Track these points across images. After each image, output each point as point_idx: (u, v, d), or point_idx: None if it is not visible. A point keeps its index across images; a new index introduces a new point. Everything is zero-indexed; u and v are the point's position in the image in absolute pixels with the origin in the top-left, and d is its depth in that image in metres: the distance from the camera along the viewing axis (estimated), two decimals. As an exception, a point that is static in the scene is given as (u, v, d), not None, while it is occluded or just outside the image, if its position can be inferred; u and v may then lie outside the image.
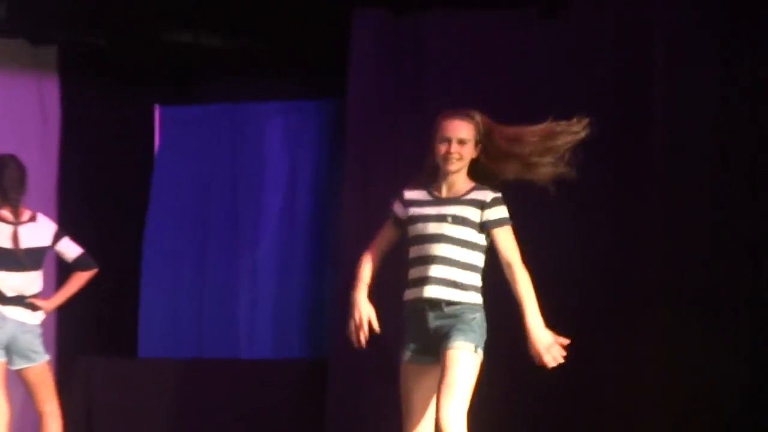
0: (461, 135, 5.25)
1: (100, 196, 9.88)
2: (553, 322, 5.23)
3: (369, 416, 8.21)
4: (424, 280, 5.20)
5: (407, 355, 5.24)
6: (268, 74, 9.52)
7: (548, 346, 5.10)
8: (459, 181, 5.30)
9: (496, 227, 5.22)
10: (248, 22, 9.23)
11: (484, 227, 5.22)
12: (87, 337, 9.67)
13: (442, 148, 5.24)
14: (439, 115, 5.38)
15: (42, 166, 9.76)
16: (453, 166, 5.25)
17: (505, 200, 5.29)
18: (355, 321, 5.27)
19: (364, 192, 8.42)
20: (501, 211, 5.24)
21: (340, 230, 8.57)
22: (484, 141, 5.29)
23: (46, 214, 9.42)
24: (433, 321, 5.21)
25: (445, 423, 5.01)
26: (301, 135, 9.58)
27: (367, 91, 8.56)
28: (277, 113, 9.58)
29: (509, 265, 5.20)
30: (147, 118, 10.11)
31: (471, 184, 5.29)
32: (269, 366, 8.93)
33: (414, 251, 5.28)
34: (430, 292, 5.19)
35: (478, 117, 5.31)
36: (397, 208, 5.38)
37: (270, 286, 9.15)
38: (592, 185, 7.25)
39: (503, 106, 8.22)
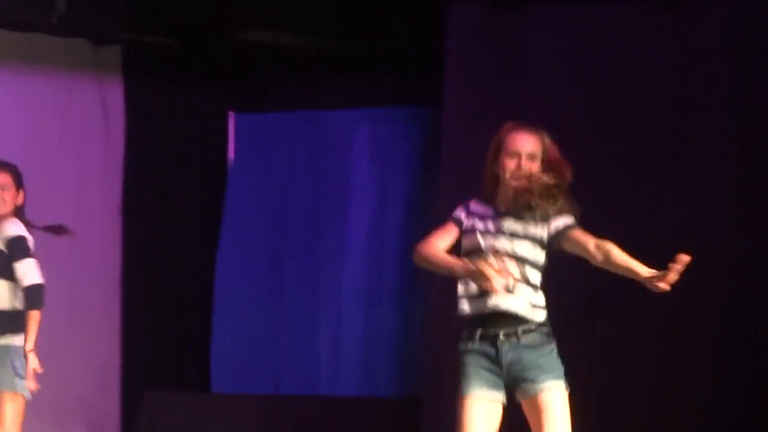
0: (531, 150, 5.34)
1: (167, 207, 10.01)
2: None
3: None
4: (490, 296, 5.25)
5: (475, 387, 5.25)
6: (352, 78, 9.57)
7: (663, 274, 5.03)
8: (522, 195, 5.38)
9: (571, 229, 5.28)
10: (332, 21, 9.29)
11: (555, 238, 5.27)
12: (156, 369, 9.76)
13: (511, 163, 5.31)
14: (505, 128, 5.45)
15: (105, 171, 10.01)
16: (518, 183, 5.32)
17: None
18: (488, 272, 5.08)
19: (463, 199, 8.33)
20: (568, 218, 5.30)
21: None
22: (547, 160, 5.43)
23: (110, 224, 9.81)
24: (507, 353, 5.24)
25: None
26: (391, 144, 9.55)
27: (464, 96, 8.51)
28: (364, 121, 9.54)
29: (598, 245, 5.22)
30: (219, 125, 10.17)
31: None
32: (354, 404, 8.85)
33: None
34: (504, 306, 5.22)
35: (544, 133, 5.43)
36: (461, 214, 5.44)
37: (355, 315, 9.09)
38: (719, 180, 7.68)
39: (612, 110, 8.28)
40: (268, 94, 9.99)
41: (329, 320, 9.50)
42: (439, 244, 5.40)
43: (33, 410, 8.95)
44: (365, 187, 9.54)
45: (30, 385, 6.99)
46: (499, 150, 5.38)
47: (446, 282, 6.33)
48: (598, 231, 5.34)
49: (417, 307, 8.97)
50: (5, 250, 7.02)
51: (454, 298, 5.34)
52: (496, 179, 5.39)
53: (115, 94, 9.99)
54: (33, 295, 7.01)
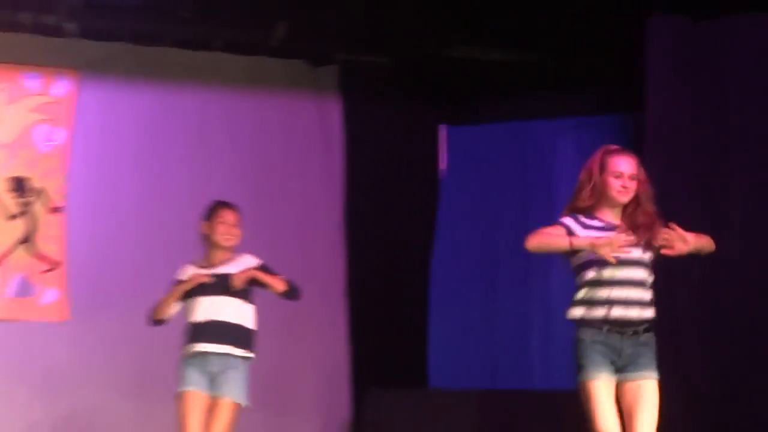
0: (633, 171, 6.11)
1: (386, 217, 10.29)
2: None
3: None
4: (615, 302, 6.01)
5: (600, 371, 6.02)
6: (556, 89, 9.64)
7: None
8: (616, 209, 6.13)
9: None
10: (535, 37, 9.48)
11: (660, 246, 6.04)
12: (379, 369, 10.03)
13: (617, 182, 6.09)
14: (605, 150, 6.20)
15: (326, 191, 10.41)
16: (625, 198, 6.08)
17: None
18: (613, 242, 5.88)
19: (666, 203, 8.45)
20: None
21: None
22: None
23: (332, 241, 10.27)
24: (625, 343, 6.04)
25: None
26: (593, 151, 9.38)
27: (666, 105, 8.60)
28: (568, 129, 9.67)
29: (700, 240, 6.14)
30: (430, 137, 10.40)
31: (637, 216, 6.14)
32: (566, 397, 8.57)
33: (595, 273, 6.03)
34: (626, 313, 6.02)
35: (637, 157, 6.22)
36: (570, 223, 6.10)
37: (564, 311, 9.01)
38: None
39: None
40: (477, 107, 10.03)
41: (540, 316, 9.58)
42: (553, 233, 6.09)
43: (270, 411, 9.54)
44: (570, 191, 9.75)
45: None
46: (603, 170, 6.12)
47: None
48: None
49: None
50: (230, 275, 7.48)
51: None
52: (599, 195, 6.10)
53: (333, 112, 10.39)
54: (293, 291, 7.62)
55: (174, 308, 7.52)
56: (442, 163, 10.38)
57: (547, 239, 6.08)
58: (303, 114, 10.45)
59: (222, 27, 9.65)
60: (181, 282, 7.50)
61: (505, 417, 9.04)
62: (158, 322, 7.56)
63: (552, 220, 9.21)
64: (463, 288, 9.92)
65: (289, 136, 10.44)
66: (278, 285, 7.48)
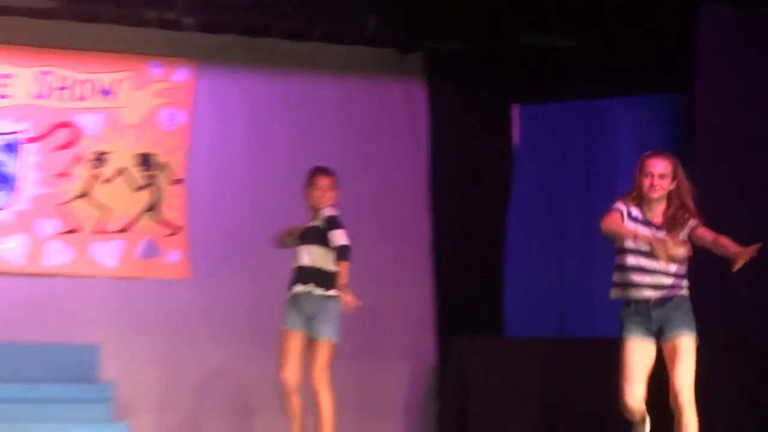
0: (663, 170, 6.38)
1: (466, 189, 10.25)
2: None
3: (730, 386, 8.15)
4: (654, 285, 6.40)
5: (634, 335, 6.42)
6: (617, 71, 9.56)
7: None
8: (660, 206, 6.44)
9: (700, 227, 6.42)
10: (599, 24, 9.40)
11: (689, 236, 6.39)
12: (460, 318, 10.08)
13: (647, 181, 6.39)
14: (644, 155, 6.49)
15: (413, 162, 10.41)
16: (655, 195, 6.39)
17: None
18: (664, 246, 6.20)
19: (714, 181, 8.34)
20: (693, 221, 6.42)
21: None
22: (677, 178, 6.43)
23: (418, 206, 10.27)
24: (655, 313, 6.37)
25: (686, 394, 6.29)
26: (650, 129, 9.47)
27: (713, 86, 8.45)
28: (628, 108, 9.55)
29: (716, 237, 6.38)
30: (505, 116, 10.32)
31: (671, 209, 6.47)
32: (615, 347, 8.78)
33: (634, 259, 6.42)
34: (654, 293, 6.39)
35: (674, 157, 6.48)
36: (624, 210, 6.44)
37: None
38: None
39: None
40: (545, 88, 10.00)
41: (603, 272, 8.91)
42: (620, 220, 6.40)
43: (365, 355, 9.71)
44: (629, 163, 8.89)
45: (350, 301, 7.59)
46: (640, 171, 6.43)
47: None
48: None
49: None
50: (323, 225, 7.79)
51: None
52: (639, 192, 6.42)
53: (418, 93, 10.38)
54: (342, 252, 7.68)
55: (287, 245, 7.92)
56: (515, 138, 10.32)
57: (618, 227, 6.36)
58: (392, 94, 10.44)
59: (321, 19, 9.63)
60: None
61: (571, 363, 8.97)
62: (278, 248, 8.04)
63: (611, 187, 9.18)
64: (534, 247, 9.81)
65: (380, 114, 10.43)
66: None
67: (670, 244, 6.18)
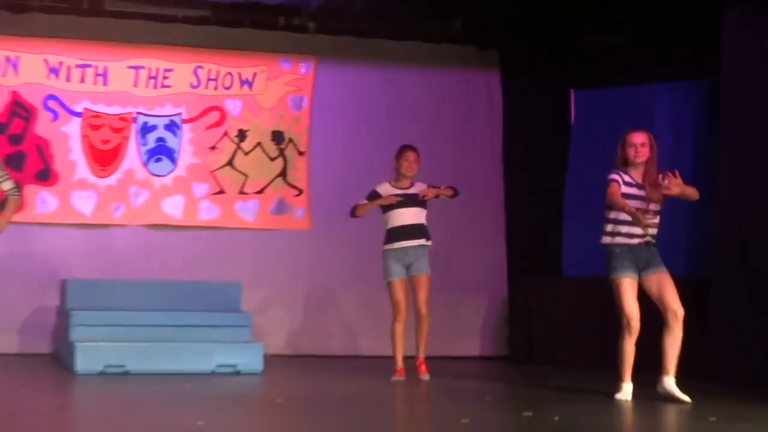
0: (642, 140, 6.71)
1: (533, 158, 10.22)
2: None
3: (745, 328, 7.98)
4: (640, 234, 6.67)
5: (626, 273, 6.70)
6: (654, 62, 9.38)
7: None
8: (641, 168, 6.72)
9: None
10: (637, 23, 9.32)
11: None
12: (527, 261, 10.10)
13: (632, 151, 6.70)
14: (626, 131, 6.77)
15: (491, 140, 10.39)
16: (640, 160, 6.69)
17: None
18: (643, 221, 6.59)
19: (736, 155, 8.20)
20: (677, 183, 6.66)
21: (720, 182, 8.36)
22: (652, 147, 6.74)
23: (495, 172, 10.28)
24: (642, 253, 6.69)
25: (680, 310, 6.62)
26: (682, 109, 9.28)
27: (738, 79, 8.19)
28: (665, 92, 9.36)
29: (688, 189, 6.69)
30: (564, 98, 10.21)
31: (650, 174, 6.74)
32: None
33: (623, 216, 6.68)
34: (649, 239, 6.69)
35: (648, 131, 6.83)
36: (619, 178, 6.70)
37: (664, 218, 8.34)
38: None
39: None
40: (596, 76, 9.85)
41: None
42: (618, 191, 6.70)
43: (449, 289, 9.69)
44: (664, 136, 8.96)
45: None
46: (624, 143, 6.73)
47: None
48: None
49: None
50: (416, 193, 7.93)
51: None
52: (626, 159, 6.72)
53: (494, 83, 10.35)
54: (456, 190, 7.95)
55: (367, 211, 7.96)
56: (572, 117, 10.20)
57: (617, 199, 6.67)
58: (473, 83, 10.40)
59: (416, 23, 9.59)
60: (375, 194, 7.94)
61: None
62: (355, 216, 8.03)
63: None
64: (586, 204, 9.42)
65: (463, 99, 10.40)
66: (449, 192, 7.92)
67: (647, 217, 6.59)
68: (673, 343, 6.61)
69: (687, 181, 6.85)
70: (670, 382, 6.62)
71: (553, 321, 9.55)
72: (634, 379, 6.75)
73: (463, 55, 10.23)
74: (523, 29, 9.61)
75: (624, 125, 6.76)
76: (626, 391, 6.68)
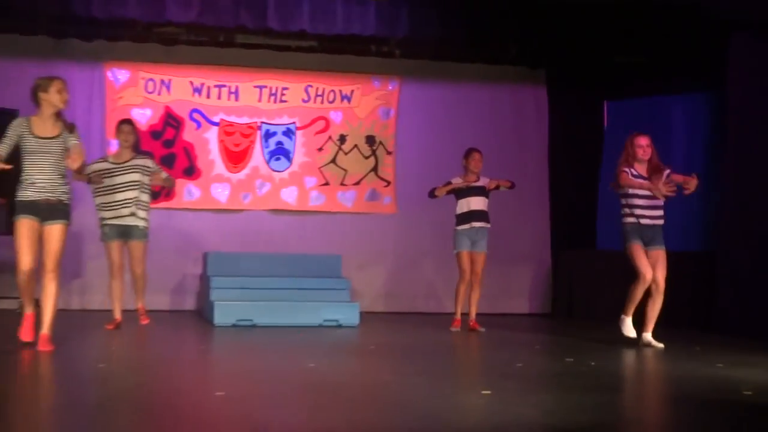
0: (647, 142, 6.74)
1: (572, 157, 10.05)
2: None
3: (752, 295, 7.74)
4: (649, 216, 6.68)
5: (637, 242, 6.67)
6: (671, 77, 9.23)
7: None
8: (645, 164, 6.70)
9: (672, 173, 6.67)
10: (656, 45, 9.08)
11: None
12: (568, 236, 9.98)
13: (640, 150, 6.71)
14: (634, 134, 6.74)
15: (538, 142, 10.20)
16: (646, 157, 6.70)
17: None
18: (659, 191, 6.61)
19: (741, 157, 7.97)
20: (668, 169, 6.68)
21: (724, 174, 8.13)
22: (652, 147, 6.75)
23: (541, 169, 10.00)
24: (648, 232, 6.66)
25: (663, 284, 6.68)
26: (693, 117, 9.11)
27: (741, 90, 7.95)
28: (679, 102, 9.21)
29: (684, 177, 6.66)
30: (599, 108, 10.05)
31: (652, 165, 6.75)
32: (675, 257, 8.02)
33: (638, 201, 6.68)
34: (655, 221, 6.69)
35: (648, 134, 6.79)
36: (629, 171, 6.64)
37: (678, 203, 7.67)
38: None
39: None
40: (625, 89, 9.66)
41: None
42: (631, 178, 6.65)
43: (501, 260, 9.47)
44: (679, 137, 9.10)
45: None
46: (632, 145, 6.69)
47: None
48: None
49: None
50: (482, 185, 7.86)
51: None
52: (634, 157, 6.67)
53: (542, 96, 10.21)
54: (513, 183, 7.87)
55: (442, 195, 7.87)
56: (605, 123, 10.04)
57: (632, 182, 6.64)
58: (525, 96, 10.26)
59: (480, 48, 9.47)
60: (449, 183, 7.89)
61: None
62: (433, 197, 7.92)
63: (667, 151, 8.46)
64: (616, 193, 9.34)
65: (517, 110, 10.27)
66: (508, 184, 7.83)
67: (661, 188, 6.55)
68: (654, 307, 6.74)
69: (699, 173, 6.80)
70: (647, 336, 6.78)
71: (588, 285, 9.46)
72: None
73: (516, 74, 10.13)
74: (565, 53, 9.50)
75: (648, 129, 6.70)
76: (627, 324, 6.80)
